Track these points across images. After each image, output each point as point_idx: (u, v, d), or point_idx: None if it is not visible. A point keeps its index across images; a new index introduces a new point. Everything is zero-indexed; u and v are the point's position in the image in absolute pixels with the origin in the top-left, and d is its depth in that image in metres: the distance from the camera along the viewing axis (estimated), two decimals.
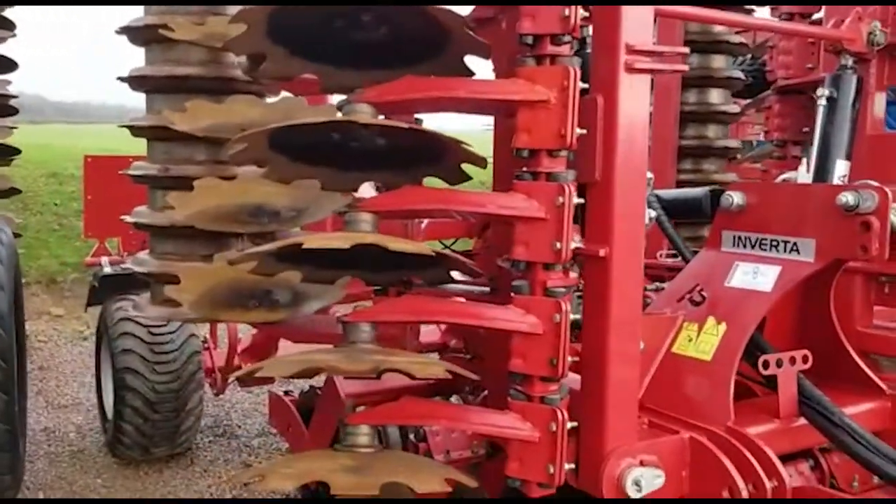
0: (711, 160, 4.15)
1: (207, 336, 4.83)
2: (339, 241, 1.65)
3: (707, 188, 2.64)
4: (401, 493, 1.92)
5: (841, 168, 2.72)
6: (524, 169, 1.81)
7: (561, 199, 1.75)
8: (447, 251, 1.81)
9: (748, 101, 5.02)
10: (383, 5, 1.71)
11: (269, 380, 5.04)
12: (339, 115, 1.85)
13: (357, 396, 3.26)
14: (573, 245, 1.78)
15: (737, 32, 4.08)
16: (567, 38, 1.75)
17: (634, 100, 1.84)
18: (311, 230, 2.95)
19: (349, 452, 1.84)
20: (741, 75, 4.07)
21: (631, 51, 1.81)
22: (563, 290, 1.81)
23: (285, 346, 5.00)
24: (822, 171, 2.72)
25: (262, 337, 4.81)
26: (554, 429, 1.80)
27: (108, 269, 4.77)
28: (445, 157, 1.90)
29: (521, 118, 1.77)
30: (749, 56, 5.49)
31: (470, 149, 1.82)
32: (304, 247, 1.64)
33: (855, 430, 2.09)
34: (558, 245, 1.76)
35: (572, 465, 1.84)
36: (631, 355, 1.94)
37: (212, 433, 5.01)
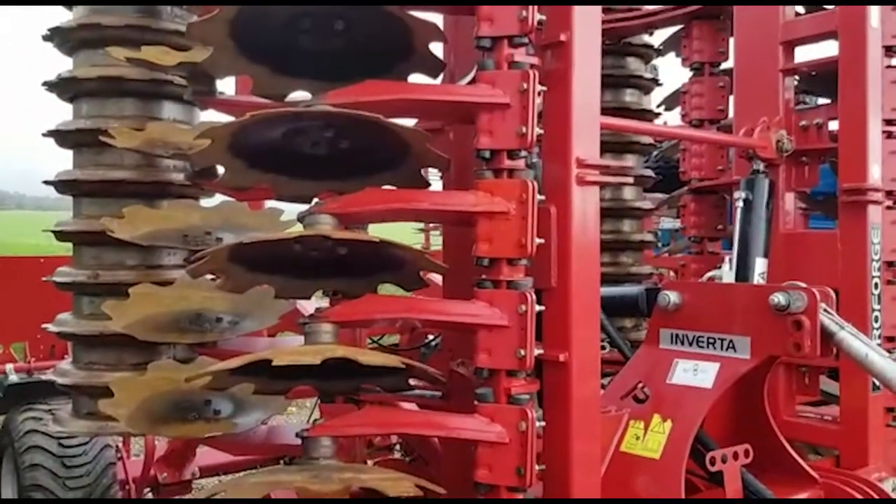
0: (628, 253, 4.32)
1: (120, 445, 4.55)
2: (309, 356, 1.62)
3: (643, 286, 2.76)
4: None
5: (760, 266, 2.90)
6: (484, 277, 1.85)
7: (523, 307, 1.79)
8: (411, 361, 1.80)
9: (659, 194, 5.31)
10: (348, 124, 1.75)
11: (187, 489, 4.78)
12: (299, 226, 1.85)
13: None
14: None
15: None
16: (523, 152, 1.82)
17: (586, 210, 1.93)
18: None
19: (312, 465, 1.76)
20: (651, 173, 4.32)
21: (581, 164, 1.91)
22: (527, 397, 1.83)
23: (202, 452, 4.78)
24: (744, 269, 2.89)
25: (180, 444, 4.58)
26: None
27: (13, 378, 4.47)
28: (405, 265, 1.92)
29: (481, 228, 1.82)
30: (658, 154, 5.83)
31: (430, 259, 1.85)
32: (275, 364, 1.60)
33: None
34: (522, 352, 1.79)
35: None
36: (593, 457, 1.97)
37: None
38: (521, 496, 1.83)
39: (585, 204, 1.92)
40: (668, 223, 9.90)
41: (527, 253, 1.79)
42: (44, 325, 2.90)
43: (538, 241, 1.80)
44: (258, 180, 1.96)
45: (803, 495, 2.42)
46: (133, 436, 3.42)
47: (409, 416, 1.88)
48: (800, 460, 2.50)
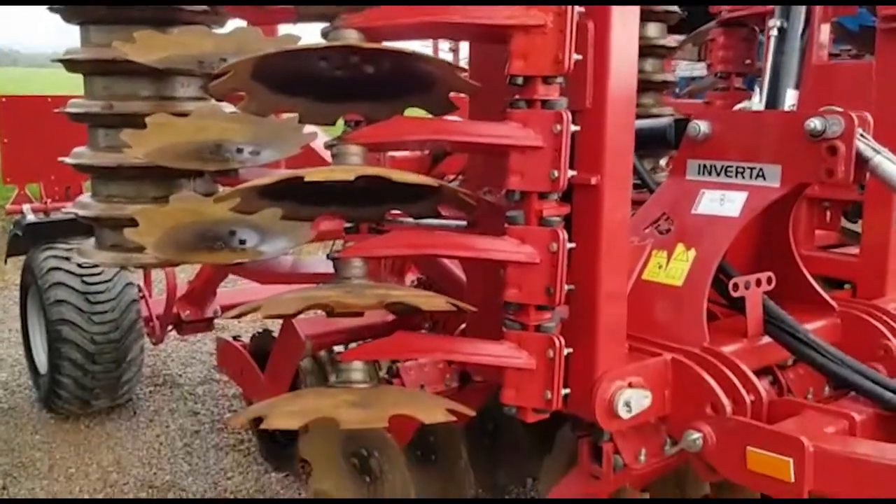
0: (649, 94, 4.20)
1: (142, 284, 4.65)
2: (342, 173, 1.60)
3: (671, 117, 2.69)
4: None
5: (791, 97, 2.80)
6: (517, 97, 1.79)
7: (558, 127, 1.74)
8: (443, 182, 1.78)
9: (679, 35, 5.11)
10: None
11: (209, 327, 4.93)
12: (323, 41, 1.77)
13: (316, 337, 3.23)
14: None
15: None
16: None
17: (625, 27, 1.83)
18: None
19: (347, 389, 1.81)
20: (677, 9, 4.12)
21: None
22: (558, 219, 1.82)
23: (222, 292, 4.89)
24: (774, 100, 2.80)
25: (201, 283, 4.67)
26: (551, 356, 1.83)
27: (31, 217, 4.49)
28: (435, 86, 1.85)
29: (515, 44, 1.74)
30: None
31: (462, 77, 1.78)
32: (307, 180, 1.58)
33: (819, 345, 2.21)
34: (555, 174, 1.76)
35: (568, 391, 1.88)
36: (620, 282, 1.98)
37: (151, 383, 4.87)
38: (549, 314, 1.86)
39: (625, 20, 1.82)
40: (685, 70, 9.63)
41: (564, 69, 1.72)
42: (60, 159, 2.87)
43: (576, 56, 1.72)
44: (282, 105, 1.88)
45: (821, 323, 2.46)
46: (157, 267, 3.47)
47: (439, 238, 1.87)
48: (819, 289, 2.53)
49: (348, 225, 2.30)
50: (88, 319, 4.05)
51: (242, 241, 2.49)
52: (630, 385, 1.97)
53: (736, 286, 2.24)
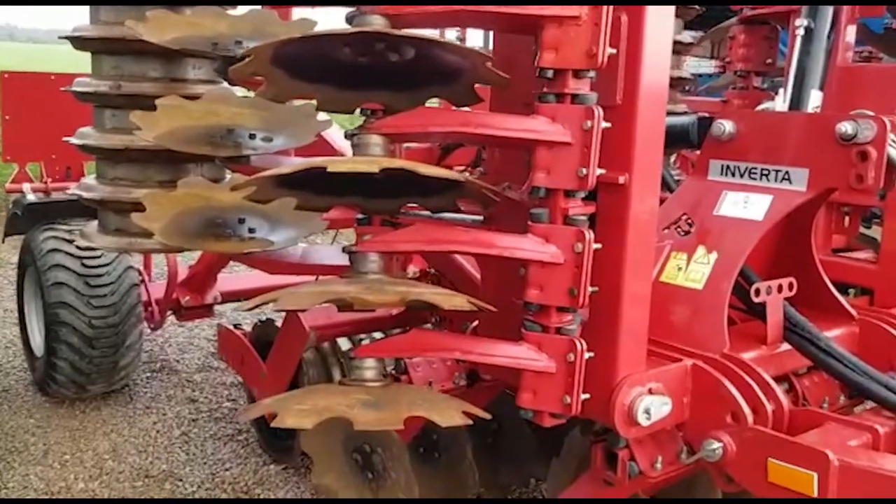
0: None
1: (141, 268, 4.57)
2: (366, 165, 1.53)
3: (695, 116, 2.63)
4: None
5: (815, 98, 2.75)
6: (546, 90, 1.72)
7: (589, 123, 1.67)
8: (468, 176, 1.72)
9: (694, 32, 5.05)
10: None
11: (209, 314, 4.86)
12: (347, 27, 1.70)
13: (321, 329, 3.18)
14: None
15: None
16: None
17: (661, 20, 1.77)
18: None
19: (360, 387, 1.75)
20: (695, 5, 4.06)
21: None
22: (584, 218, 1.76)
23: (223, 278, 4.82)
24: (798, 101, 2.74)
25: (201, 269, 4.61)
26: (572, 359, 1.77)
27: (31, 197, 4.41)
28: (461, 76, 1.78)
29: (547, 36, 1.67)
30: None
31: (492, 68, 1.71)
32: (330, 171, 1.51)
33: (840, 354, 2.16)
34: (584, 171, 1.70)
35: (588, 396, 1.82)
36: (644, 285, 1.92)
37: (149, 369, 4.79)
38: (571, 317, 1.80)
39: (661, 13, 1.76)
40: (692, 67, 9.55)
41: (597, 63, 1.65)
42: (65, 138, 2.79)
43: (610, 50, 1.66)
44: (301, 91, 1.82)
45: (840, 331, 2.41)
46: (160, 252, 3.40)
47: (460, 234, 1.81)
48: (839, 297, 2.48)
49: (360, 216, 2.24)
50: (87, 303, 3.98)
51: (252, 230, 2.43)
52: (650, 391, 1.92)
53: (758, 291, 2.19)
